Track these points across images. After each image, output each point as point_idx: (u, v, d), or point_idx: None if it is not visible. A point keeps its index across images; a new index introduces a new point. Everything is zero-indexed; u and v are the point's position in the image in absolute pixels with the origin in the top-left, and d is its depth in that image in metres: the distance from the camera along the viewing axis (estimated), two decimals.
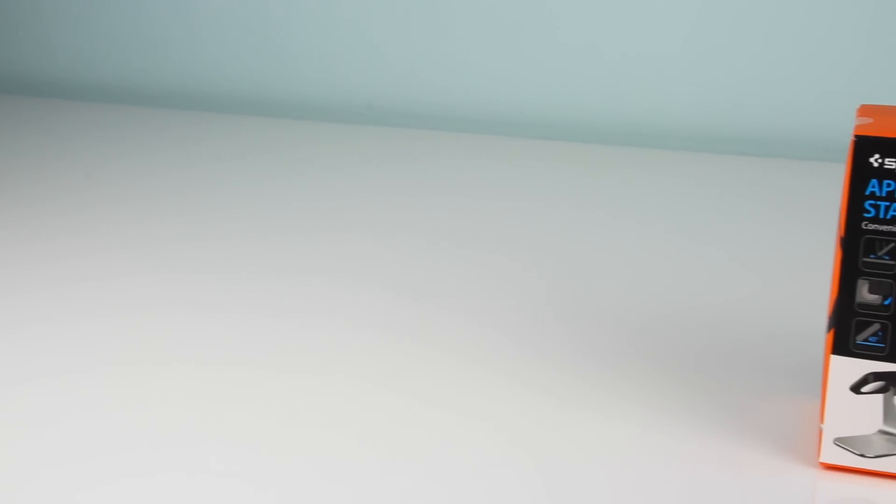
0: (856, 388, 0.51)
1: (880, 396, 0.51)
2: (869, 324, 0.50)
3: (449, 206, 0.93)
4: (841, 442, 0.52)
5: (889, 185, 0.49)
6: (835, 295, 0.51)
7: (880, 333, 0.50)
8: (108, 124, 1.19)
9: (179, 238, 0.84)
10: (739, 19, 1.16)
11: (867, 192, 0.49)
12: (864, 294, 0.50)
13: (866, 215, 0.49)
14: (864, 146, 0.49)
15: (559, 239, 0.85)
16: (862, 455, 0.52)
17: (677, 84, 1.19)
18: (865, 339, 0.51)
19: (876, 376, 0.51)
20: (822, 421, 0.52)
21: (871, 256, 0.50)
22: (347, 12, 1.27)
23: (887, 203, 0.49)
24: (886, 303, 0.50)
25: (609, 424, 0.57)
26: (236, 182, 0.99)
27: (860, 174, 0.49)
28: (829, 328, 0.51)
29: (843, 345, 0.51)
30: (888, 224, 0.49)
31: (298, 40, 1.29)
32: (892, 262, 0.49)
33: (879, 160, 0.49)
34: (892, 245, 0.49)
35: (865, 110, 0.53)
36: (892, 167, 0.49)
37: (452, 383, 0.61)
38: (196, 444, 0.54)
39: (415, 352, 0.65)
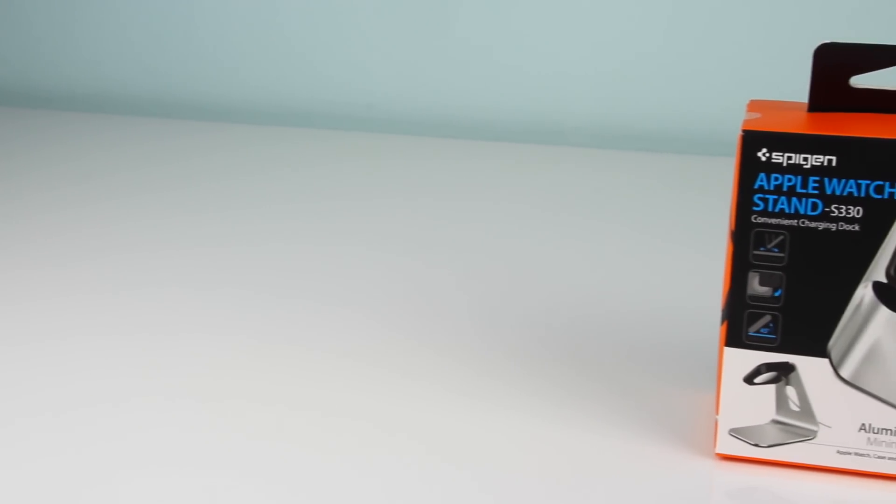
0: (749, 379, 0.52)
1: (773, 387, 0.52)
2: (760, 315, 0.51)
3: (357, 209, 0.93)
4: (736, 432, 0.53)
5: (777, 179, 0.50)
6: (727, 288, 0.52)
7: (771, 325, 0.51)
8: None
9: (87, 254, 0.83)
10: (638, 17, 1.17)
11: (756, 186, 0.50)
12: (755, 286, 0.51)
13: (755, 209, 0.50)
14: (751, 141, 0.50)
15: (480, 238, 0.86)
16: (756, 445, 0.52)
17: (581, 81, 1.20)
18: (757, 331, 0.51)
19: (768, 367, 0.52)
20: (717, 412, 0.53)
21: (761, 249, 0.50)
22: (246, 12, 1.26)
23: (775, 196, 0.50)
24: (776, 294, 0.51)
25: (513, 418, 0.57)
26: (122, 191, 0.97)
27: (748, 168, 0.50)
28: (723, 321, 0.52)
29: (735, 337, 0.52)
30: (776, 217, 0.50)
31: (197, 39, 1.28)
32: (781, 255, 0.50)
33: (767, 154, 0.50)
34: (780, 238, 0.50)
35: (755, 105, 0.54)
36: (780, 161, 0.49)
37: (365, 390, 0.61)
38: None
39: (329, 359, 0.65)
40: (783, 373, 0.52)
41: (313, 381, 0.61)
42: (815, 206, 0.49)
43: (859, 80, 0.52)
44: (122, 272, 0.76)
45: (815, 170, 0.49)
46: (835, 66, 0.52)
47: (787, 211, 0.50)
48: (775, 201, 0.50)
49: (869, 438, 0.51)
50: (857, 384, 0.51)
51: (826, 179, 0.49)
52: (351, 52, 1.25)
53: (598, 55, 1.19)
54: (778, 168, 0.49)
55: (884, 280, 0.49)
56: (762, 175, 0.50)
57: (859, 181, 0.49)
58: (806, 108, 0.53)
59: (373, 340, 0.66)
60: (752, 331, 0.51)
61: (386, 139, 1.17)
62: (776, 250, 0.50)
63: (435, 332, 0.67)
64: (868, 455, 0.51)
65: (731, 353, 0.52)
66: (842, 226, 0.49)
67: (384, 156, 1.11)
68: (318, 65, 1.25)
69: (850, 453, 0.52)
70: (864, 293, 0.50)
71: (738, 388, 0.52)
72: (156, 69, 1.29)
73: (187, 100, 1.28)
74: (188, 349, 0.65)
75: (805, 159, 0.49)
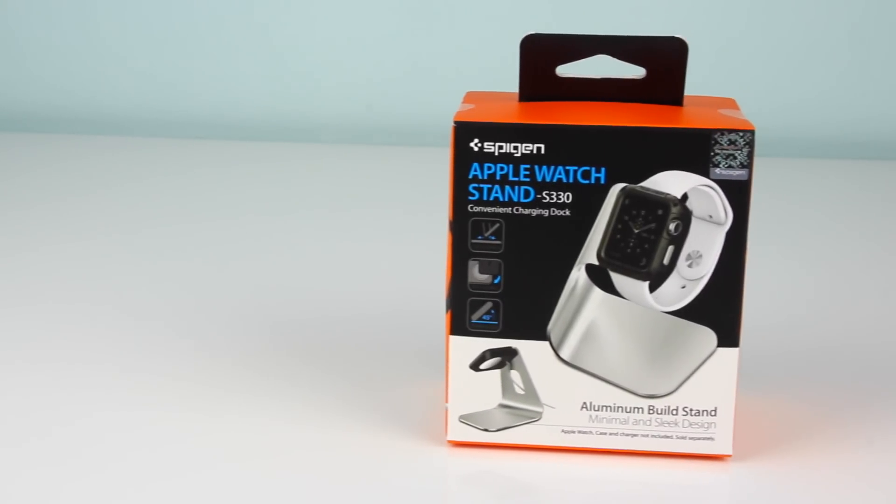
0: (475, 366, 0.53)
1: (498, 372, 0.53)
2: (482, 303, 0.52)
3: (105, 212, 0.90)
4: (465, 419, 0.54)
5: (490, 168, 0.51)
6: (449, 277, 0.52)
7: (493, 311, 0.52)
8: None
9: None
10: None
11: (470, 176, 0.51)
12: (475, 274, 0.52)
13: (471, 198, 0.51)
14: (463, 132, 0.50)
15: (223, 238, 0.84)
16: (486, 430, 0.53)
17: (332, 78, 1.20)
18: (480, 318, 0.52)
19: (492, 353, 0.53)
20: (447, 400, 0.54)
21: (479, 238, 0.51)
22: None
23: (489, 185, 0.51)
24: (496, 281, 0.52)
25: (242, 417, 0.56)
26: None
27: (462, 159, 0.51)
28: (447, 310, 0.53)
29: (459, 325, 0.53)
30: (492, 205, 0.51)
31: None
32: (498, 242, 0.51)
33: (479, 144, 0.50)
34: (497, 225, 0.51)
35: (470, 97, 0.55)
36: (492, 150, 0.50)
37: (102, 408, 0.59)
38: None
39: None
40: (507, 357, 0.53)
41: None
42: (527, 194, 0.51)
43: (565, 70, 0.54)
44: None
45: (525, 158, 0.50)
46: (541, 56, 0.53)
47: (501, 199, 0.51)
48: (489, 190, 0.51)
49: (591, 416, 0.53)
50: (576, 364, 0.52)
51: (536, 167, 0.50)
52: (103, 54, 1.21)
53: (347, 54, 1.19)
54: (490, 157, 0.50)
55: (595, 262, 0.51)
56: (475, 165, 0.51)
57: (567, 168, 0.50)
58: (518, 98, 0.55)
59: (101, 345, 0.64)
60: (474, 318, 0.52)
61: (132, 141, 1.14)
62: (493, 238, 0.51)
63: (166, 337, 0.66)
64: (591, 432, 0.53)
65: (456, 340, 0.53)
66: (553, 211, 0.51)
67: (139, 160, 1.08)
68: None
69: (573, 432, 0.53)
70: (578, 276, 0.51)
71: (465, 376, 0.53)
72: None
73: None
74: None
75: (515, 148, 0.50)
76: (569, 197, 0.50)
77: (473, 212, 0.51)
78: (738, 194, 0.50)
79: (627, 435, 0.53)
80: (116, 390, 0.59)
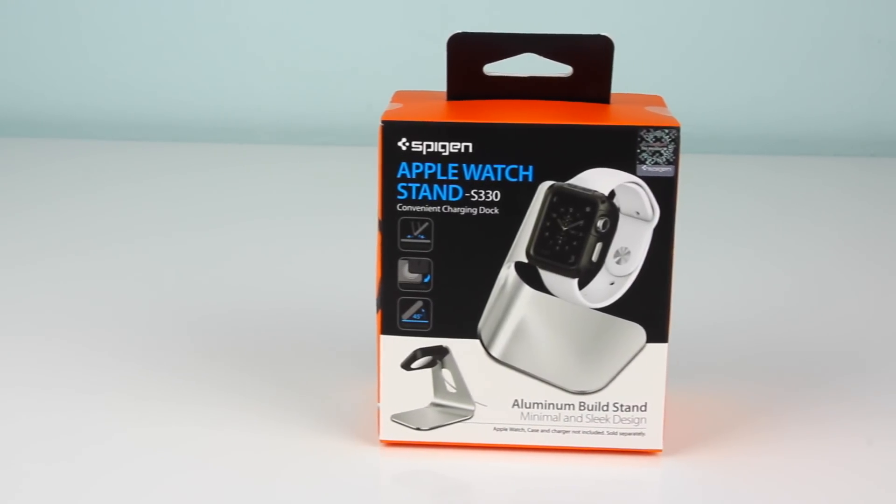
0: (406, 365, 0.53)
1: (429, 371, 0.53)
2: (412, 302, 0.52)
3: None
4: (397, 418, 0.54)
5: (418, 167, 0.51)
6: (379, 277, 0.52)
7: (423, 310, 0.52)
8: None
9: None
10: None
11: (398, 175, 0.51)
12: (405, 273, 0.52)
13: (399, 197, 0.51)
14: (391, 131, 0.50)
15: (150, 237, 0.84)
16: (418, 429, 0.53)
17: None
18: (410, 317, 0.52)
19: (423, 352, 0.53)
20: (378, 400, 0.53)
21: (408, 237, 0.51)
22: None
23: (418, 184, 0.51)
24: (426, 280, 0.52)
25: (174, 421, 0.56)
26: None
27: (390, 158, 0.51)
28: (378, 309, 0.53)
29: (390, 324, 0.52)
30: (420, 204, 0.51)
31: None
32: (427, 241, 0.51)
33: (407, 143, 0.50)
34: (426, 224, 0.51)
35: (399, 96, 0.55)
36: (420, 150, 0.50)
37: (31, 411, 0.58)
38: None
39: None
40: (438, 356, 0.53)
41: None
42: (455, 192, 0.51)
43: (492, 68, 0.54)
44: None
45: (453, 157, 0.50)
46: (468, 55, 0.53)
47: (430, 198, 0.51)
48: (418, 189, 0.51)
49: (522, 413, 0.53)
50: (507, 362, 0.53)
51: (464, 166, 0.50)
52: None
53: (288, 55, 1.19)
54: (418, 156, 0.51)
55: (525, 260, 0.51)
56: (404, 164, 0.51)
57: (495, 166, 0.50)
58: (446, 97, 0.55)
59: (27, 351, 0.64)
60: (405, 317, 0.52)
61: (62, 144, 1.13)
62: (423, 237, 0.51)
63: (87, 338, 0.65)
64: (523, 430, 0.53)
65: (387, 340, 0.53)
66: (482, 210, 0.51)
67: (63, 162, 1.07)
68: None
69: (505, 429, 0.53)
70: (507, 274, 0.51)
71: (396, 375, 0.53)
72: None
73: None
74: None
75: (443, 147, 0.50)
76: (497, 195, 0.51)
77: (402, 211, 0.51)
78: (664, 191, 0.51)
79: (559, 432, 0.53)
80: (51, 399, 0.59)
